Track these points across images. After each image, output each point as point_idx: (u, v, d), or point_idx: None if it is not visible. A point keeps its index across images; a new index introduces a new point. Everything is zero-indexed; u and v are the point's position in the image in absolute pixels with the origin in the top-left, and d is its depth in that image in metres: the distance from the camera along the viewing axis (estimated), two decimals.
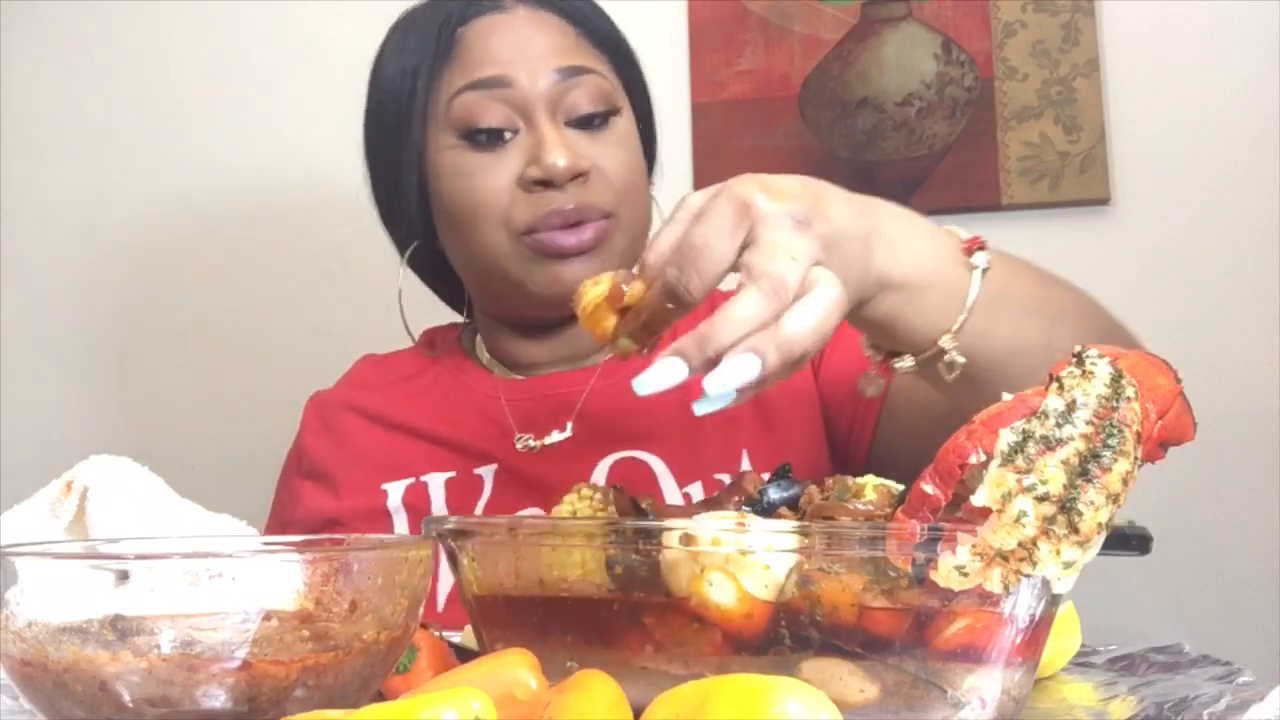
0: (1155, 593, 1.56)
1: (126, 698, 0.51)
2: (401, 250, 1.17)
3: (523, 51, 1.05)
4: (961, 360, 0.75)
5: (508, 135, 1.05)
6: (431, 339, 1.25)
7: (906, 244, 0.75)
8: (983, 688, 0.56)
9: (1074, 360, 0.58)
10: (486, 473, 1.09)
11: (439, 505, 1.08)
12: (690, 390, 0.64)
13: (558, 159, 1.02)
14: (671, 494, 1.04)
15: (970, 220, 1.65)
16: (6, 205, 1.88)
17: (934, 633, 0.56)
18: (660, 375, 0.63)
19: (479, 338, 1.20)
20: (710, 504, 0.71)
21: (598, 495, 0.69)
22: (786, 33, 1.70)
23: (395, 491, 1.10)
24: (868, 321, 0.76)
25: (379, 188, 1.16)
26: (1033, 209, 1.63)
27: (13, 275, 1.88)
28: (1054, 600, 0.57)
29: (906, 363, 0.77)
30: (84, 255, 1.87)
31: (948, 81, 1.65)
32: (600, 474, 1.06)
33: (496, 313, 1.15)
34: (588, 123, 1.06)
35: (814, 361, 1.09)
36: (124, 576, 0.54)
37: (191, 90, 1.86)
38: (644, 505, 0.69)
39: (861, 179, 1.67)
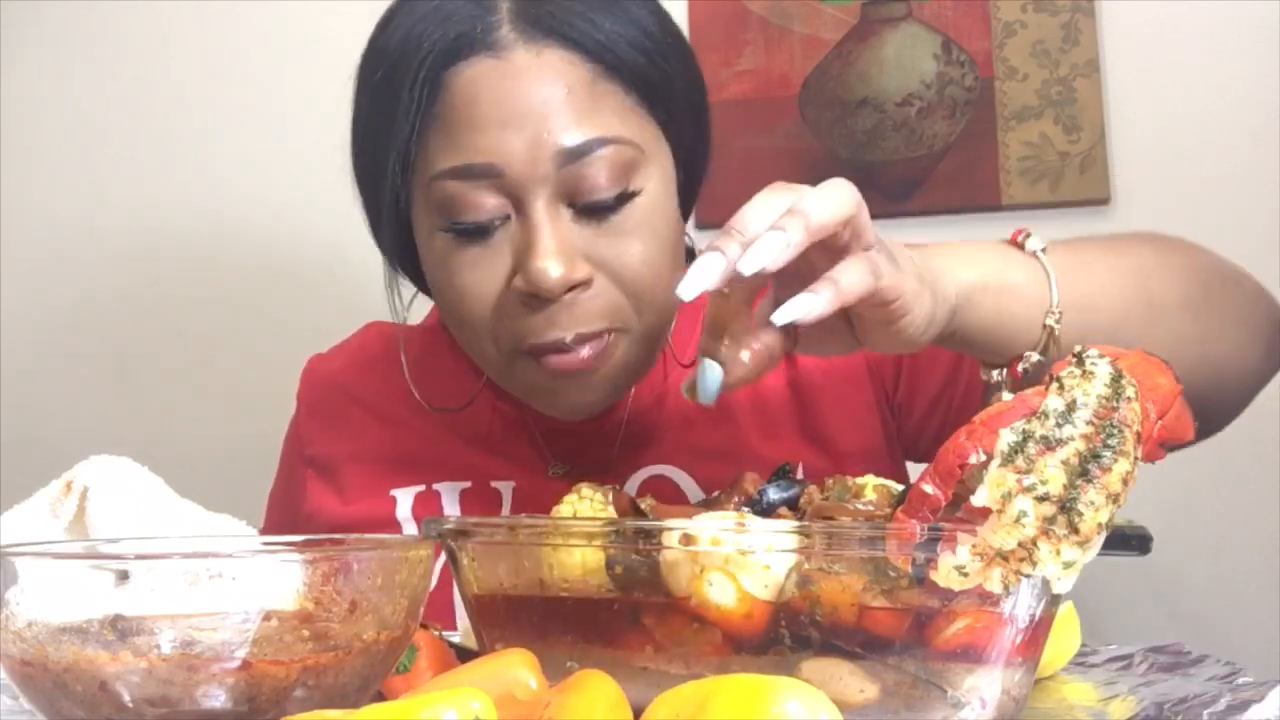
0: (1155, 593, 1.56)
1: (126, 698, 0.51)
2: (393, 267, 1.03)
3: (518, 122, 0.84)
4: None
5: (496, 223, 0.86)
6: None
7: (960, 256, 0.77)
8: (983, 688, 0.56)
9: (1074, 360, 0.58)
10: (505, 488, 1.00)
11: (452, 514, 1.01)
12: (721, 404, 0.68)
13: (549, 269, 0.83)
14: None
15: (970, 220, 1.66)
16: (6, 205, 1.88)
17: (934, 633, 0.56)
18: (700, 272, 0.64)
19: None
20: (710, 504, 0.71)
21: (598, 495, 0.70)
22: (786, 33, 1.70)
23: (404, 500, 1.01)
24: (971, 336, 0.76)
25: (368, 215, 1.02)
26: (1033, 209, 1.63)
27: (13, 275, 1.88)
28: (1054, 600, 0.57)
29: (1033, 357, 0.78)
30: (84, 255, 1.87)
31: (948, 81, 1.65)
32: (631, 486, 0.98)
33: None
34: (598, 209, 0.86)
35: (888, 385, 1.01)
36: (124, 576, 0.54)
37: (192, 90, 1.86)
38: (643, 506, 0.69)
39: (861, 179, 1.67)
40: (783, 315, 0.65)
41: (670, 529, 0.58)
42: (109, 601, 0.53)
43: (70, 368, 1.86)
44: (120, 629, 0.53)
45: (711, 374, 0.69)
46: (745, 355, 0.70)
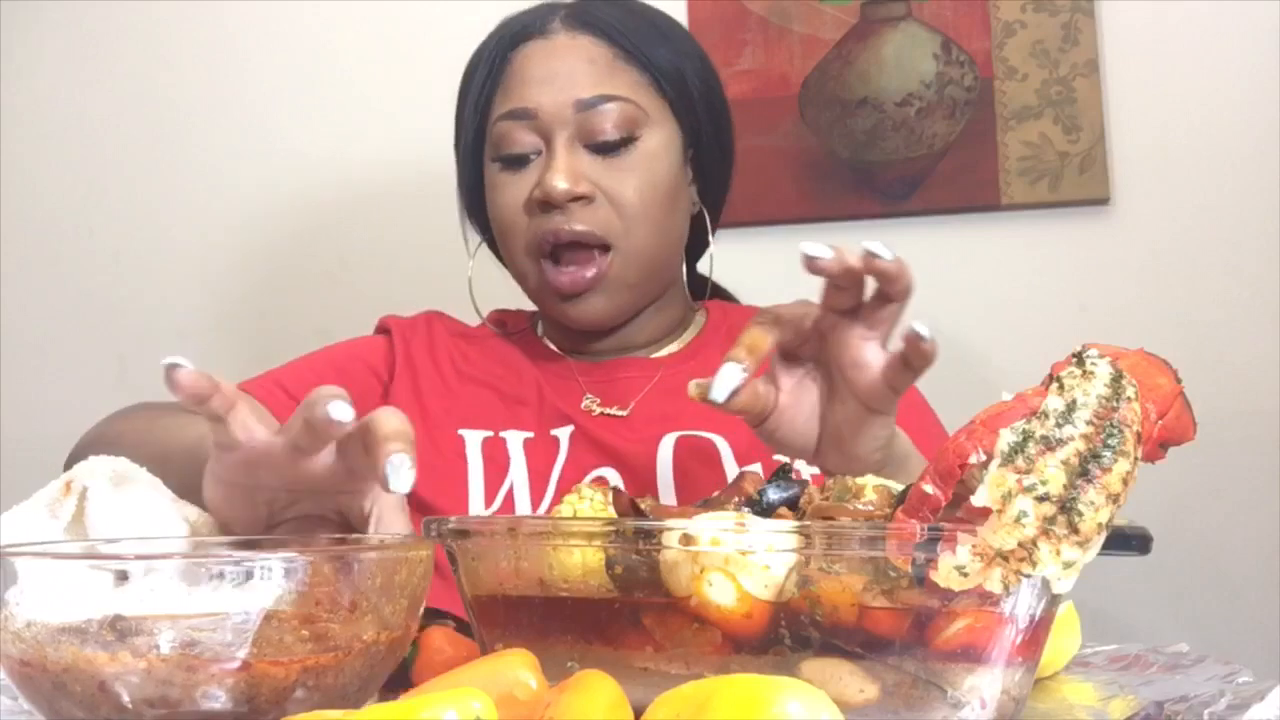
0: (1155, 593, 1.56)
1: (126, 698, 0.51)
2: (470, 244, 1.27)
3: (551, 81, 1.13)
4: None
5: (531, 157, 1.14)
6: (502, 320, 1.29)
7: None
8: (983, 688, 0.56)
9: (1074, 360, 0.58)
10: (563, 434, 1.14)
11: (519, 463, 1.12)
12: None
13: (557, 181, 1.10)
14: (733, 472, 1.10)
15: (970, 220, 1.66)
16: (6, 205, 1.88)
17: (934, 633, 0.56)
18: (726, 380, 0.79)
19: (541, 323, 1.28)
20: (710, 504, 0.71)
21: (598, 495, 0.69)
22: (786, 33, 1.70)
23: (473, 440, 1.14)
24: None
25: (460, 188, 1.25)
26: (1032, 209, 1.63)
27: (13, 275, 1.88)
28: (1054, 600, 0.57)
29: None
30: (84, 255, 1.87)
31: (947, 81, 1.65)
32: (667, 447, 1.12)
33: None
34: (606, 148, 1.12)
35: None
36: (123, 577, 0.54)
37: (191, 91, 1.86)
38: (643, 506, 0.69)
39: (861, 179, 1.67)
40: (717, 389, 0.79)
41: (670, 529, 0.58)
42: (108, 602, 0.53)
43: (70, 368, 1.86)
44: (119, 629, 0.52)
45: (731, 375, 0.78)
46: (759, 384, 0.83)
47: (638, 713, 0.50)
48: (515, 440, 1.14)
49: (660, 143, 1.15)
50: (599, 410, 1.17)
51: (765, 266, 1.42)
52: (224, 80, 1.86)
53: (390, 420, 0.67)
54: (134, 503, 0.75)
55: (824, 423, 0.86)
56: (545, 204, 1.11)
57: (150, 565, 0.57)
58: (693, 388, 0.80)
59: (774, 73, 1.69)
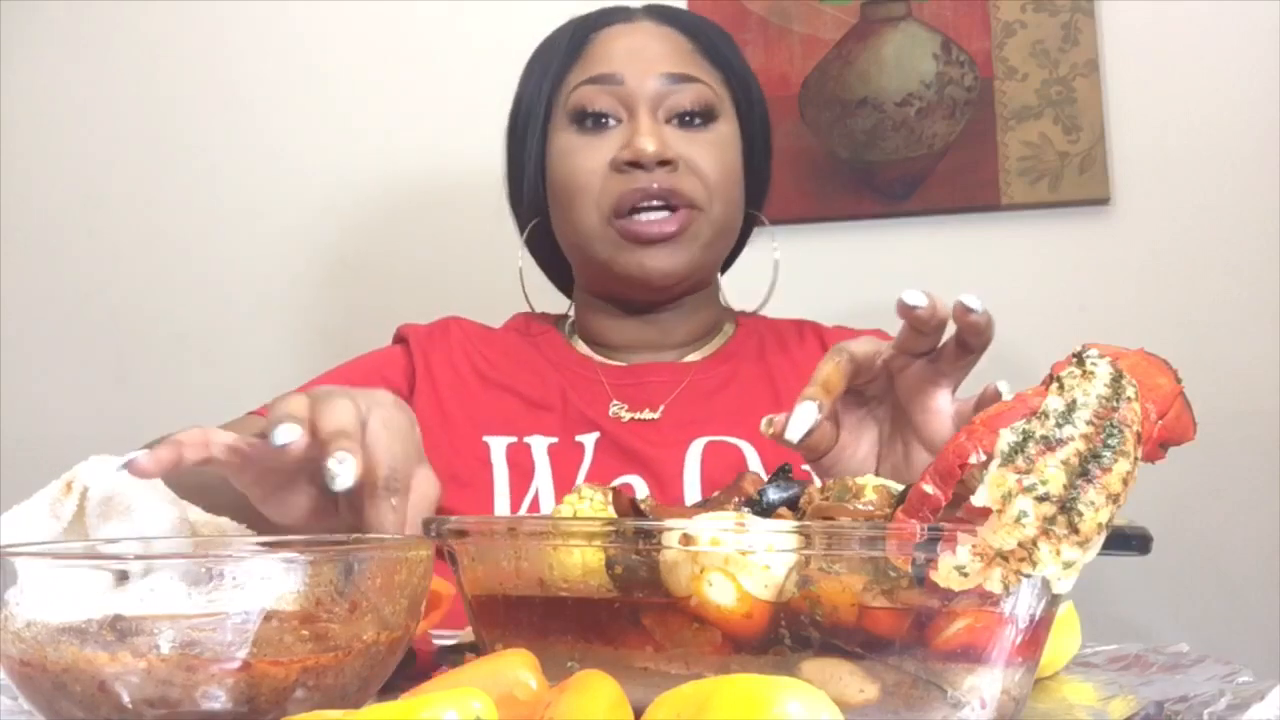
0: (1155, 593, 1.56)
1: (126, 698, 0.51)
2: (522, 229, 1.27)
3: (638, 55, 1.17)
4: None
5: (611, 122, 1.16)
6: (526, 325, 1.29)
7: None
8: (983, 688, 0.56)
9: (1074, 360, 0.58)
10: (588, 440, 1.15)
11: (543, 469, 1.12)
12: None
13: (647, 144, 1.12)
14: None
15: (970, 220, 1.66)
16: (6, 205, 1.88)
17: (934, 633, 0.56)
18: (801, 420, 0.76)
19: (574, 323, 1.28)
20: (709, 504, 0.71)
21: (598, 495, 0.69)
22: (786, 33, 1.70)
23: (498, 446, 1.14)
24: None
25: (510, 172, 1.27)
26: (1032, 209, 1.63)
27: (13, 275, 1.88)
28: (1054, 600, 0.57)
29: None
30: (84, 255, 1.87)
31: (947, 81, 1.65)
32: (695, 453, 1.13)
33: (593, 288, 1.24)
34: (687, 121, 1.17)
35: None
36: (124, 577, 0.54)
37: (191, 91, 1.86)
38: (643, 506, 0.69)
39: (861, 179, 1.67)
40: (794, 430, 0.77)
41: (670, 529, 0.58)
42: (108, 602, 0.53)
43: (70, 368, 1.86)
44: (120, 629, 0.53)
45: (807, 415, 0.76)
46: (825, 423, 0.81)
47: (638, 713, 0.50)
48: (540, 446, 1.14)
49: (730, 133, 1.20)
50: (629, 416, 1.17)
51: (765, 266, 1.42)
52: (224, 80, 1.86)
53: (331, 419, 0.68)
54: (134, 503, 0.75)
55: (880, 461, 0.85)
56: (633, 164, 1.13)
57: (150, 565, 0.57)
58: (765, 425, 0.78)
59: (774, 73, 1.69)
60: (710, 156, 1.16)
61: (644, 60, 1.17)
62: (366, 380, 1.16)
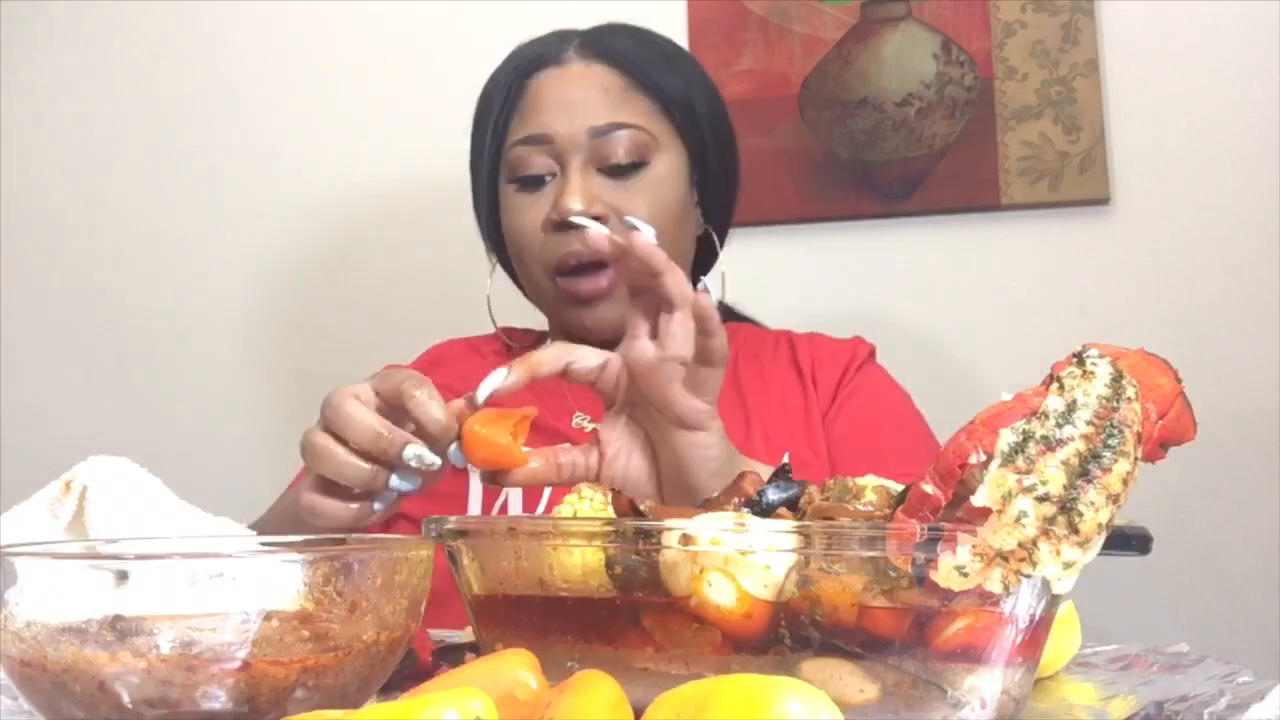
0: (1155, 593, 1.56)
1: (126, 698, 0.51)
2: (490, 257, 1.32)
3: (566, 109, 1.19)
4: None
5: (547, 179, 1.19)
6: (509, 336, 1.33)
7: None
8: (983, 688, 0.56)
9: (1074, 360, 0.58)
10: (568, 456, 1.15)
11: None
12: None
13: (572, 203, 1.15)
14: None
15: (970, 220, 1.66)
16: (6, 205, 1.88)
17: (934, 633, 0.56)
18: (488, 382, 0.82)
19: (546, 340, 1.30)
20: (709, 504, 0.71)
21: (598, 495, 0.69)
22: (786, 33, 1.70)
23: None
24: None
25: (475, 207, 1.30)
26: (1032, 209, 1.63)
27: (13, 275, 1.88)
28: (1054, 600, 0.57)
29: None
30: (84, 255, 1.87)
31: (947, 81, 1.65)
32: None
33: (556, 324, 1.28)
34: (618, 171, 1.18)
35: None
36: (124, 576, 0.54)
37: (191, 91, 1.86)
38: (643, 507, 0.69)
39: (861, 179, 1.67)
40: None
41: (670, 529, 0.58)
42: (108, 602, 0.53)
43: (70, 368, 1.86)
44: (120, 629, 0.52)
45: (494, 378, 0.82)
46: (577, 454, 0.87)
47: (638, 713, 0.50)
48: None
49: (669, 167, 1.20)
50: (590, 428, 1.18)
51: (765, 266, 1.42)
52: (224, 80, 1.86)
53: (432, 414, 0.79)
54: (134, 502, 0.75)
55: (660, 464, 0.87)
56: (561, 224, 1.15)
57: (150, 565, 0.57)
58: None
59: (774, 73, 1.69)
60: (641, 204, 1.17)
61: (572, 114, 1.18)
62: None
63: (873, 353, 1.28)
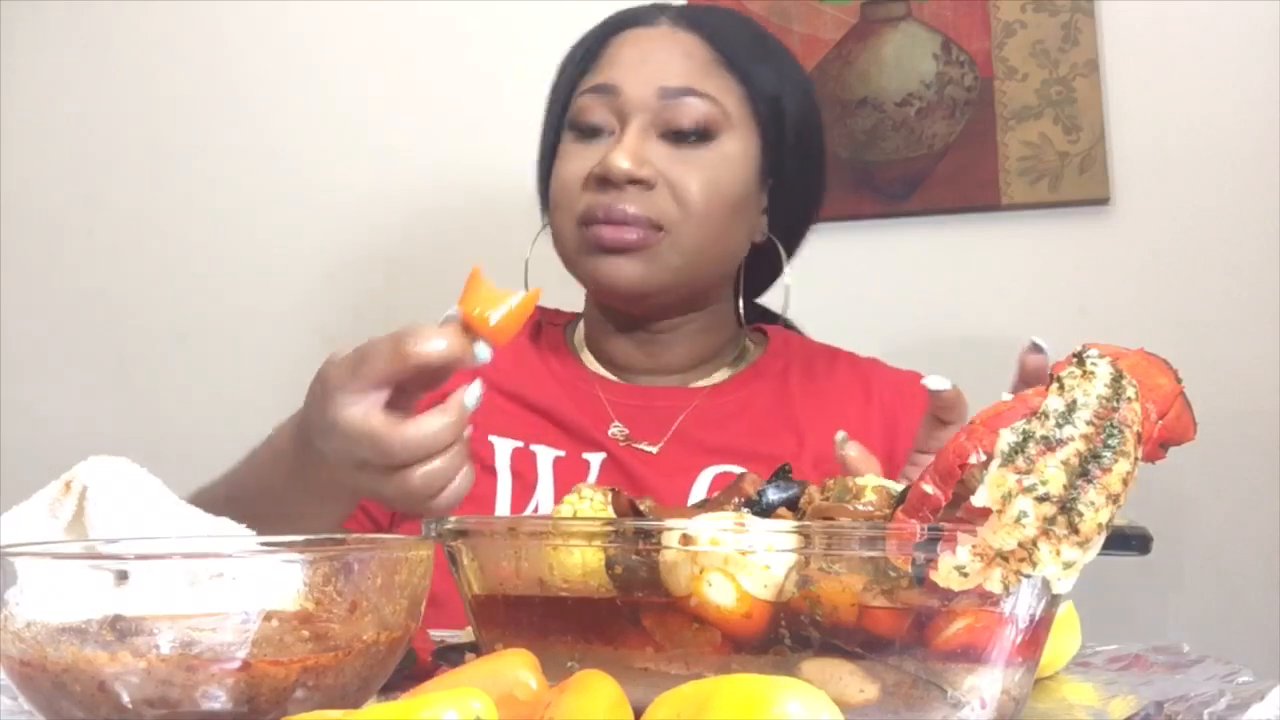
0: (1155, 593, 1.56)
1: (125, 698, 0.51)
2: (544, 219, 1.24)
3: (641, 65, 1.13)
4: None
5: (605, 134, 1.13)
6: (537, 322, 1.25)
7: None
8: (983, 688, 0.56)
9: (1074, 360, 0.58)
10: (594, 459, 1.12)
11: (546, 483, 1.10)
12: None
13: (619, 160, 1.08)
14: None
15: (970, 220, 1.66)
16: (6, 205, 1.88)
17: (934, 633, 0.56)
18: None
19: (580, 333, 1.25)
20: (709, 505, 0.71)
21: (598, 495, 0.69)
22: (786, 33, 1.70)
23: (503, 449, 1.11)
24: None
25: (539, 163, 1.24)
26: (1032, 209, 1.63)
27: (13, 275, 1.88)
28: (1054, 600, 0.57)
29: None
30: (84, 255, 1.87)
31: (947, 81, 1.65)
32: (702, 483, 1.10)
33: (589, 297, 1.23)
34: (681, 138, 1.11)
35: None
36: (124, 576, 0.54)
37: (191, 91, 1.86)
38: (643, 507, 0.69)
39: (861, 179, 1.67)
40: None
41: (670, 529, 0.58)
42: (108, 602, 0.53)
43: (70, 368, 1.86)
44: (119, 629, 0.52)
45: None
46: None
47: (638, 713, 0.50)
48: (545, 457, 1.12)
49: (737, 151, 1.13)
50: (625, 441, 1.14)
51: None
52: (224, 80, 1.86)
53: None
54: (134, 503, 0.75)
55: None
56: (603, 181, 1.09)
57: (150, 565, 0.57)
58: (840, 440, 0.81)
59: None
60: (696, 176, 1.10)
61: (646, 71, 1.12)
62: None
63: None
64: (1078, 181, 1.62)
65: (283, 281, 1.83)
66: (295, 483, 0.88)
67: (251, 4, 1.85)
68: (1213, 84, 1.60)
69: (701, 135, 1.11)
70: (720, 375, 1.20)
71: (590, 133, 1.13)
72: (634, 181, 1.08)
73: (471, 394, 0.77)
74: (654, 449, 1.13)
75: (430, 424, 0.75)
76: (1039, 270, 1.63)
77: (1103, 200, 1.61)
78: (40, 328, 1.87)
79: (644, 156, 1.09)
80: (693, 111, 1.11)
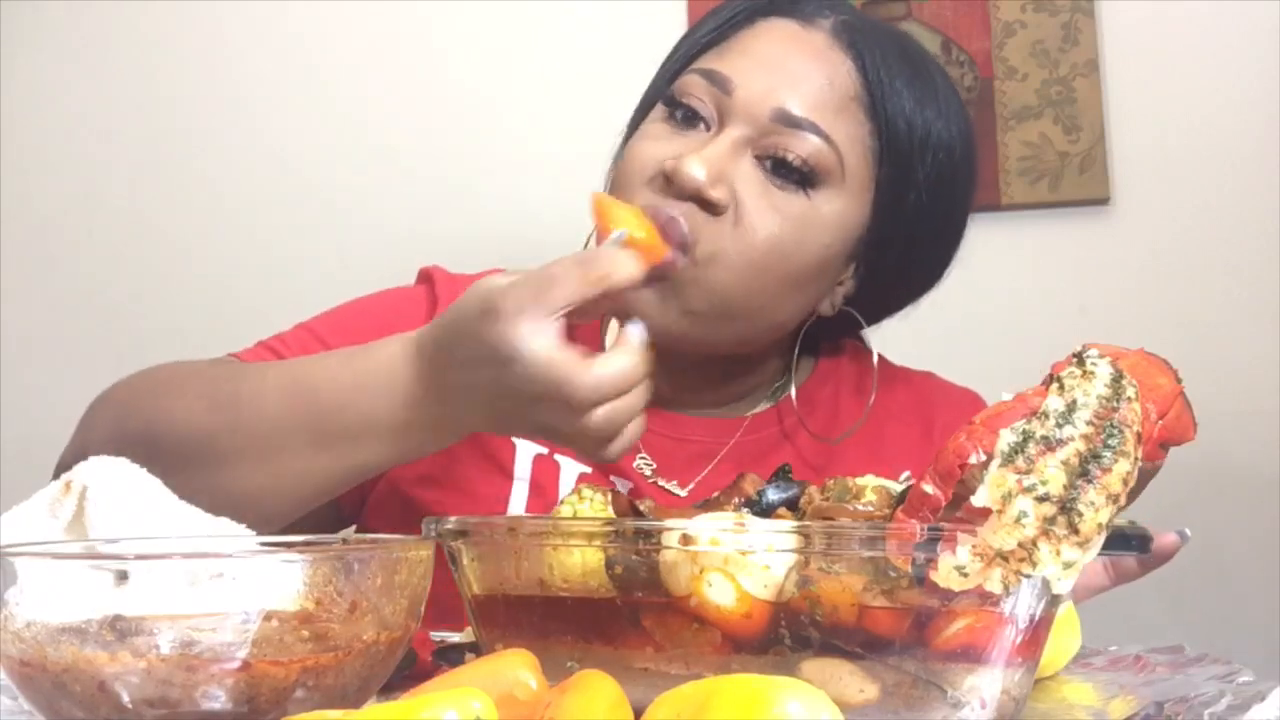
0: (1155, 593, 1.56)
1: (125, 698, 0.51)
2: None
3: (772, 69, 0.94)
4: None
5: (702, 126, 0.94)
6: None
7: None
8: (983, 688, 0.56)
9: (1074, 360, 0.58)
10: (622, 486, 1.00)
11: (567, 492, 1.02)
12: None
13: (695, 170, 0.89)
14: None
15: (970, 220, 1.66)
16: (6, 205, 1.88)
17: (934, 633, 0.56)
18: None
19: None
20: (709, 505, 0.71)
21: (598, 496, 0.69)
22: None
23: (524, 452, 0.99)
24: None
25: (628, 129, 1.06)
26: (1033, 209, 1.63)
27: (13, 275, 1.88)
28: (1054, 600, 0.57)
29: None
30: (84, 255, 1.87)
31: None
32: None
33: None
34: (775, 172, 0.92)
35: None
36: (124, 576, 0.54)
37: (191, 91, 1.86)
38: (643, 507, 0.69)
39: None
40: None
41: (670, 529, 0.58)
42: (108, 602, 0.53)
43: (70, 368, 1.86)
44: (119, 629, 0.52)
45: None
46: None
47: (638, 713, 0.50)
48: (570, 471, 1.00)
49: (836, 213, 0.94)
50: (651, 476, 1.00)
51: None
52: (224, 80, 1.85)
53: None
54: (134, 503, 0.75)
55: None
56: (669, 181, 0.91)
57: (150, 565, 0.57)
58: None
59: None
60: (772, 224, 0.91)
61: (773, 80, 0.93)
62: (380, 322, 1.02)
63: None
64: (1078, 181, 1.62)
65: (283, 281, 1.83)
66: (413, 414, 0.79)
67: (251, 4, 1.85)
68: (1213, 84, 1.60)
69: (804, 180, 0.92)
70: (765, 404, 1.05)
71: (685, 118, 0.95)
72: (701, 200, 0.90)
73: (640, 330, 0.73)
74: (683, 492, 1.01)
75: (618, 362, 0.71)
76: (1039, 270, 1.63)
77: (1103, 200, 1.61)
78: (40, 328, 1.87)
79: (725, 174, 0.91)
80: (804, 148, 0.92)
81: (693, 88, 0.95)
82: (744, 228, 0.91)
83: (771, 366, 1.06)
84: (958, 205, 1.01)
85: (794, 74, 0.94)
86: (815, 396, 1.06)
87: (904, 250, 0.99)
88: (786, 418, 1.04)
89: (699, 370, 1.01)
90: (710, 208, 0.90)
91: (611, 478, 1.01)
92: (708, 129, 0.94)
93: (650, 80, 1.05)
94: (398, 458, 0.83)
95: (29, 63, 1.89)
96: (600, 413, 0.72)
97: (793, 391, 1.05)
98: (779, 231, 0.92)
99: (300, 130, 1.83)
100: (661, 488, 1.01)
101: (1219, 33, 1.60)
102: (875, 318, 1.06)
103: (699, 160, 0.89)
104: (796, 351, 1.04)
